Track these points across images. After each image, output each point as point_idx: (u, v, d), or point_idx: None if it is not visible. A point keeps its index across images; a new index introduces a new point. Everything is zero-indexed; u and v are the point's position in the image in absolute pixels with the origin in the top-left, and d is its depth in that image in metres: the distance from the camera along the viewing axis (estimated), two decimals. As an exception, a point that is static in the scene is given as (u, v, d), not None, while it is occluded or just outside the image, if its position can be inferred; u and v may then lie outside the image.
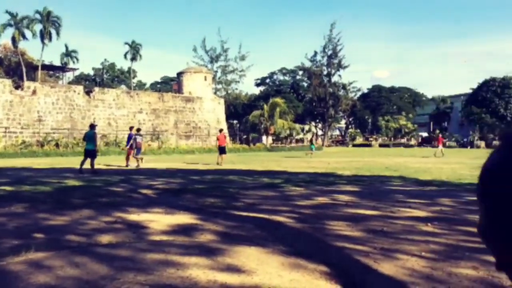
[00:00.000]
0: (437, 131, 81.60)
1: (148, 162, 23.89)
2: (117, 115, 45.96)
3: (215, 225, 6.44)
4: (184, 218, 6.98)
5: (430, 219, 6.92)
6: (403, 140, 78.18)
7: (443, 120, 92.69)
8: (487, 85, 74.47)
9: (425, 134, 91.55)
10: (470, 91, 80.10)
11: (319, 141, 79.34)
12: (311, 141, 39.36)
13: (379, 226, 6.39)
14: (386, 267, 4.37)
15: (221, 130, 24.57)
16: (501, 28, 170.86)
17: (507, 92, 71.86)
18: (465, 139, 70.30)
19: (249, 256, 4.70)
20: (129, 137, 21.43)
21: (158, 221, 6.75)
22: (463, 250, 5.03)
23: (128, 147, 21.35)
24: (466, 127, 75.81)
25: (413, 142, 75.16)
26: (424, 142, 73.69)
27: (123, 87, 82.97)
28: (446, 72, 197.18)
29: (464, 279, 4.00)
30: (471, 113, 71.65)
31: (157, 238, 5.63)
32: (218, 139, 23.32)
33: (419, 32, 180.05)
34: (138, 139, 21.35)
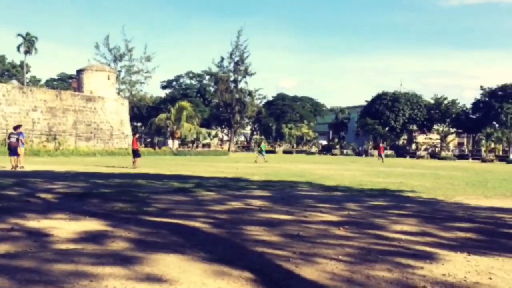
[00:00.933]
0: (336, 140, 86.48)
1: (45, 164, 22.13)
2: (7, 113, 42.10)
3: (127, 231, 6.06)
4: (91, 225, 6.49)
5: (341, 223, 7.17)
6: (305, 148, 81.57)
7: (341, 130, 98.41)
8: (380, 99, 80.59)
9: (324, 142, 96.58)
10: (365, 103, 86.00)
11: (225, 146, 79.84)
12: (259, 145, 38.87)
13: (295, 230, 6.47)
14: (308, 272, 4.41)
15: (134, 134, 24.62)
16: (391, 48, 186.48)
17: (396, 105, 78.34)
18: (360, 148, 75.29)
19: (169, 264, 4.47)
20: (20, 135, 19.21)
21: (62, 228, 6.19)
22: (375, 253, 5.25)
23: (23, 147, 19.34)
24: (362, 136, 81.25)
25: (314, 149, 78.77)
26: (324, 150, 77.66)
27: (14, 82, 76.40)
28: (344, 84, 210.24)
29: (381, 281, 4.17)
30: (365, 124, 76.94)
31: (63, 246, 5.14)
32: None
33: (322, 45, 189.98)
34: (12, 138, 18.41)
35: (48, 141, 42.04)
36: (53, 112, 45.95)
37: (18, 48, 71.83)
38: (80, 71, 53.17)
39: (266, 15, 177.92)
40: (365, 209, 8.96)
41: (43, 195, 9.65)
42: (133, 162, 21.59)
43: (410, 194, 12.29)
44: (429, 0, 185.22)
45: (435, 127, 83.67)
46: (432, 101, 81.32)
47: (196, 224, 6.75)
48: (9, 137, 18.82)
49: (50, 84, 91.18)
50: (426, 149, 78.67)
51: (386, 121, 77.15)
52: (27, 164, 20.21)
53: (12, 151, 18.37)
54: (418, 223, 7.40)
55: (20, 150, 18.60)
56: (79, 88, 52.55)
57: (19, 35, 72.15)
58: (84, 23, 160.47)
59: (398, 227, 6.95)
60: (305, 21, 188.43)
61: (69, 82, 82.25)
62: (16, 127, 19.28)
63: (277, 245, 5.53)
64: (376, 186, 14.51)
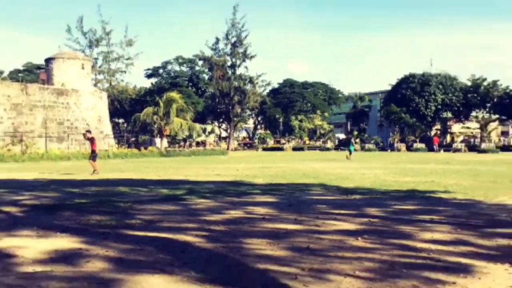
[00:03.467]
0: (355, 132, 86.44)
1: (10, 172, 22.25)
2: (-38, 111, 42.34)
3: (105, 249, 6.13)
4: (63, 242, 6.56)
5: (360, 232, 7.22)
6: (319, 143, 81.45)
7: (361, 120, 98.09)
8: (406, 82, 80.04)
9: (342, 136, 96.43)
10: (389, 88, 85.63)
11: (224, 144, 80.00)
12: (349, 141, 39.23)
13: (304, 242, 6.52)
14: (319, 291, 4.43)
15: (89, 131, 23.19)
16: (417, 21, 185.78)
17: (426, 89, 77.73)
18: (384, 142, 75.15)
19: (154, 286, 4.50)
20: None
21: (29, 247, 6.26)
22: (399, 266, 5.27)
23: None
24: (386, 128, 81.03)
25: (329, 145, 78.54)
26: (342, 145, 77.41)
27: (-29, 75, 76.89)
28: (363, 67, 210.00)
29: (406, 300, 4.18)
30: (390, 113, 76.62)
31: (30, 269, 5.19)
32: (90, 139, 22.06)
33: (334, 22, 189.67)
34: None
35: (13, 144, 42.24)
36: (19, 110, 46.17)
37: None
38: (49, 60, 53.27)
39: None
40: (388, 215, 9.02)
41: (6, 209, 9.72)
42: (94, 169, 20.54)
43: (443, 195, 12.34)
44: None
45: (474, 114, 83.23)
46: (469, 83, 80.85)
47: (188, 238, 6.80)
48: None
49: (15, 76, 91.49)
50: (463, 141, 78.42)
51: (415, 109, 76.80)
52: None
53: None
54: (452, 230, 7.43)
55: None
56: (48, 80, 52.68)
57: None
58: (52, 4, 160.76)
59: (428, 235, 6.97)
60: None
61: (36, 74, 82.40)
62: None
63: (283, 260, 5.56)
64: (403, 186, 14.57)
